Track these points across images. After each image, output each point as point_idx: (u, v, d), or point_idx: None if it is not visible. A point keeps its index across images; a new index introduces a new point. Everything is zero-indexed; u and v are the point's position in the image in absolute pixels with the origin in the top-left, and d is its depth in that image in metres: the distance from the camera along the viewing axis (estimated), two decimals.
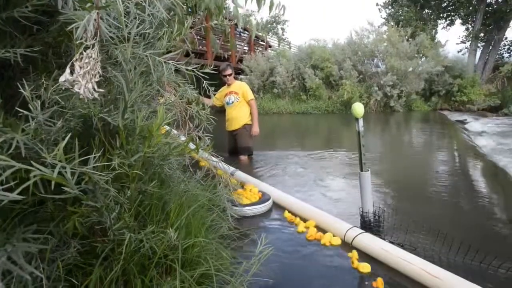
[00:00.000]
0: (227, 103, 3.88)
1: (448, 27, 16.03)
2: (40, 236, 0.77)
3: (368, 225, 1.84)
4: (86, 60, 0.75)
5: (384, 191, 2.75)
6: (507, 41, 15.16)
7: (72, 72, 0.74)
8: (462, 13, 14.99)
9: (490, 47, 13.24)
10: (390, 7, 16.28)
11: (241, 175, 2.90)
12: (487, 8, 13.33)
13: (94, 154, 0.75)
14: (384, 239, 1.72)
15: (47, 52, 0.93)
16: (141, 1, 0.91)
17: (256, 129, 3.87)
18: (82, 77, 0.73)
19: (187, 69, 1.17)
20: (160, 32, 1.08)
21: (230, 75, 3.81)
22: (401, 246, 1.66)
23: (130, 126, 0.99)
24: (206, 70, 1.28)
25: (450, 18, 15.54)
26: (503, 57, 15.49)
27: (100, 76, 0.78)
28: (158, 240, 1.05)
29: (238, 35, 13.27)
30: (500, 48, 14.56)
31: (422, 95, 11.01)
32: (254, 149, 4.08)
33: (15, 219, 0.77)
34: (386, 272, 1.50)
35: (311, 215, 2.07)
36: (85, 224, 0.90)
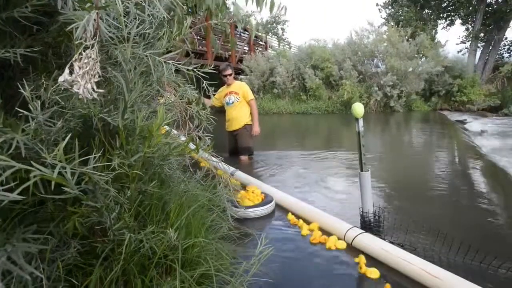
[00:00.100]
0: (227, 103, 3.88)
1: (448, 27, 16.05)
2: (40, 236, 0.77)
3: (368, 225, 1.84)
4: (85, 60, 0.75)
5: (384, 191, 2.75)
6: (507, 41, 15.18)
7: (71, 72, 0.74)
8: (462, 13, 15.00)
9: (490, 47, 13.24)
10: (390, 7, 16.28)
11: (242, 175, 2.89)
12: (487, 8, 13.33)
13: (94, 154, 0.75)
14: (384, 239, 1.72)
15: (47, 52, 0.93)
16: (141, 1, 0.91)
17: (256, 129, 3.87)
18: (81, 77, 0.73)
19: (187, 69, 1.17)
20: (160, 32, 1.08)
21: (230, 75, 3.81)
22: (401, 246, 1.66)
23: (130, 126, 0.99)
24: (206, 70, 1.28)
25: (450, 18, 15.54)
26: (503, 57, 15.50)
27: (99, 77, 0.78)
28: (158, 240, 1.05)
29: (238, 35, 13.27)
30: (500, 48, 14.56)
31: (422, 95, 11.00)
32: (254, 149, 4.08)
33: (15, 219, 0.77)
34: (386, 272, 1.50)
35: (311, 215, 2.06)
36: (85, 224, 0.90)
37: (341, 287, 1.45)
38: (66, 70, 0.74)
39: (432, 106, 10.87)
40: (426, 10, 15.25)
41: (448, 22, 15.65)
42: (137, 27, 0.92)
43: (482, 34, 13.61)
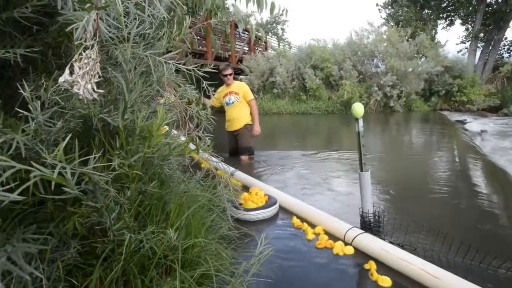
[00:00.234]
0: (227, 104, 3.88)
1: (448, 27, 16.07)
2: (40, 236, 0.77)
3: (368, 225, 1.84)
4: (85, 61, 0.75)
5: (384, 191, 2.75)
6: (506, 41, 15.19)
7: (71, 73, 0.74)
8: (462, 13, 15.01)
9: (490, 47, 13.25)
10: (390, 7, 16.30)
11: (244, 177, 2.87)
12: (486, 8, 13.34)
13: (94, 154, 0.75)
14: (384, 239, 1.72)
15: (47, 53, 0.94)
16: (141, 1, 0.91)
17: (257, 129, 3.87)
18: (81, 77, 0.73)
19: (187, 69, 1.17)
20: (160, 32, 1.08)
21: (230, 75, 3.80)
22: (401, 246, 1.66)
23: (130, 126, 0.99)
24: (206, 69, 1.28)
25: (450, 18, 15.55)
26: (502, 57, 15.51)
27: (99, 77, 0.78)
28: (158, 240, 1.05)
29: (237, 35, 13.26)
30: (500, 48, 14.57)
31: (422, 95, 11.00)
32: (255, 149, 4.08)
33: (15, 219, 0.77)
34: (386, 272, 1.50)
35: (310, 215, 2.07)
36: (85, 225, 0.90)
37: None
38: (67, 71, 0.74)
39: (432, 106, 10.87)
40: (426, 10, 15.27)
41: (448, 22, 15.67)
42: (137, 27, 0.92)
43: (482, 34, 13.62)
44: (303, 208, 2.17)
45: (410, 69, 10.25)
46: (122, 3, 0.80)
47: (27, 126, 0.72)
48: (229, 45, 10.83)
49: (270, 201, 2.26)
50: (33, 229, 0.75)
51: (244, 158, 3.91)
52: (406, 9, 15.02)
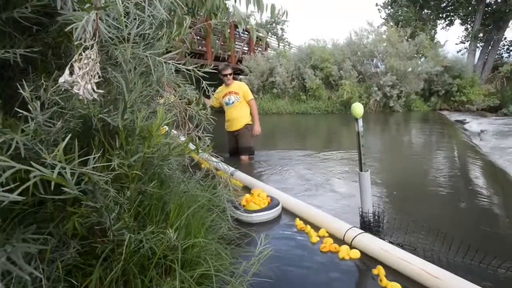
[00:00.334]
0: (227, 104, 3.88)
1: (448, 27, 16.04)
2: (39, 236, 0.77)
3: (367, 225, 1.84)
4: (85, 61, 0.75)
5: (384, 191, 2.75)
6: (506, 41, 15.17)
7: (71, 73, 0.74)
8: (461, 13, 15.00)
9: (489, 47, 13.24)
10: (389, 7, 16.29)
11: (244, 177, 2.87)
12: (486, 8, 13.34)
13: (94, 154, 0.75)
14: (383, 239, 1.72)
15: (47, 53, 0.93)
16: (141, 1, 0.91)
17: (258, 129, 3.87)
18: (81, 78, 0.73)
19: (187, 70, 1.17)
20: (160, 32, 1.08)
21: (229, 74, 3.80)
22: (401, 246, 1.66)
23: (129, 126, 0.99)
24: (206, 69, 1.28)
25: (449, 18, 15.55)
26: (502, 57, 15.50)
27: (99, 77, 0.78)
28: (157, 240, 1.05)
29: (237, 35, 13.26)
30: (499, 48, 14.56)
31: (422, 95, 11.01)
32: (255, 149, 4.08)
33: (14, 219, 0.77)
34: (386, 272, 1.50)
35: (311, 215, 2.07)
36: (84, 225, 0.90)
37: None
38: (66, 71, 0.74)
39: (431, 106, 10.88)
40: (426, 10, 15.26)
41: (447, 22, 15.66)
42: (137, 27, 0.92)
43: (481, 34, 13.61)
44: (303, 208, 2.17)
45: (410, 69, 10.26)
46: (122, 3, 0.80)
47: (26, 126, 0.72)
48: (229, 45, 10.82)
49: (273, 203, 2.20)
50: (33, 229, 0.75)
51: (244, 158, 3.91)
52: (405, 9, 15.02)
